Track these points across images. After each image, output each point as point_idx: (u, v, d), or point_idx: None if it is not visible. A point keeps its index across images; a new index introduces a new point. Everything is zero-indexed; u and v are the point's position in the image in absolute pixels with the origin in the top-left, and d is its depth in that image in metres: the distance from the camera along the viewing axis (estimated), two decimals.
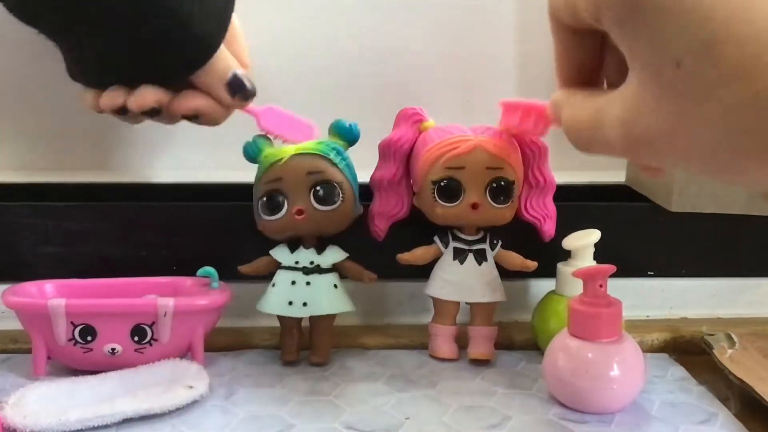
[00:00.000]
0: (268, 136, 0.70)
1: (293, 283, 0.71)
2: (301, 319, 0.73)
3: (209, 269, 0.71)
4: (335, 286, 0.72)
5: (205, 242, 0.78)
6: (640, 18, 0.32)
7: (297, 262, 0.71)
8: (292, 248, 0.72)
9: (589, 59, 0.41)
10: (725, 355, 0.72)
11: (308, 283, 0.71)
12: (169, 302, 0.68)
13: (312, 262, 0.71)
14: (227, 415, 0.64)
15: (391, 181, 0.73)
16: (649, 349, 0.78)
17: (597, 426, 0.63)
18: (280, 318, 0.72)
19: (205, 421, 0.63)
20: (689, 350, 0.78)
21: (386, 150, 0.73)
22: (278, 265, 0.72)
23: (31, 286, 0.70)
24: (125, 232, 0.77)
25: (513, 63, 0.85)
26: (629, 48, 0.34)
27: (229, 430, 0.61)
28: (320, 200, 0.69)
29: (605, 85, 0.41)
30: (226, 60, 0.64)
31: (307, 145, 0.70)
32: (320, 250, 0.72)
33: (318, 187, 0.69)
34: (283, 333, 0.73)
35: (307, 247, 0.72)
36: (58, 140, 0.82)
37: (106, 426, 0.61)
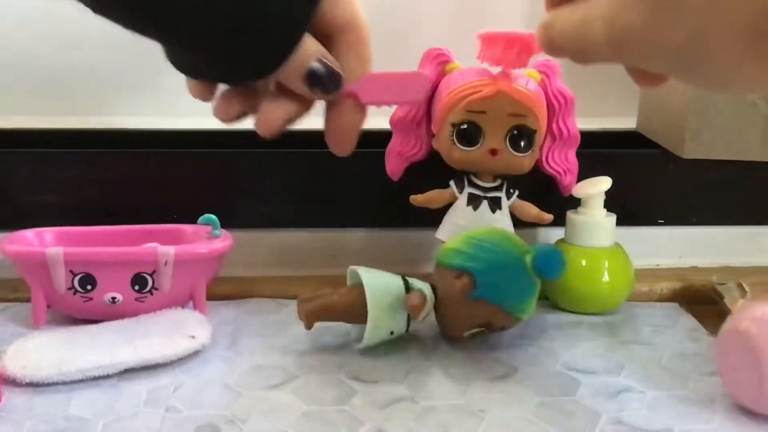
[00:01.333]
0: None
1: None
2: None
3: (211, 217, 0.70)
4: None
5: (207, 189, 0.76)
6: None
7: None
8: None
9: None
10: (736, 304, 0.71)
11: None
12: (169, 250, 0.66)
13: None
14: (230, 364, 0.63)
15: (411, 122, 0.72)
16: (658, 298, 0.77)
17: (606, 377, 0.62)
18: None
19: (207, 371, 0.62)
20: (699, 300, 0.76)
21: None
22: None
23: (29, 234, 0.69)
24: (125, 180, 0.76)
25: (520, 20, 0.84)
26: None
27: (232, 380, 0.61)
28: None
29: None
30: (305, 46, 0.49)
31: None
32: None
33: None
34: None
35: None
36: (57, 86, 0.80)
37: (107, 376, 0.60)
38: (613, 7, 0.34)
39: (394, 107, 0.63)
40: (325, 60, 0.49)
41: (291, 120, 0.51)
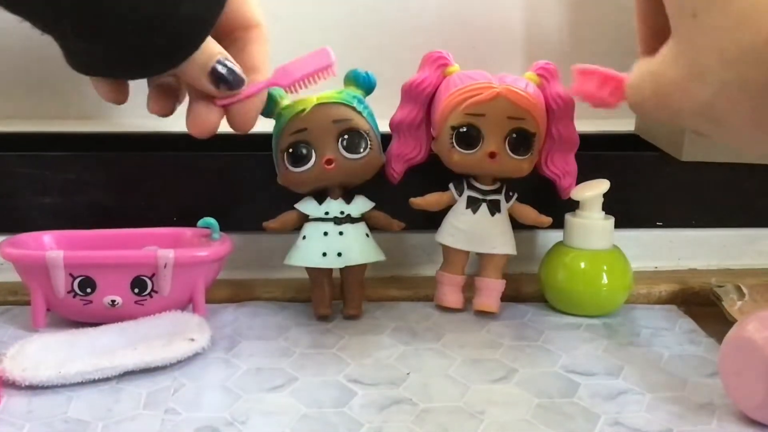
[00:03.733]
0: (293, 90, 0.64)
1: (325, 234, 0.70)
2: (331, 271, 0.71)
3: (210, 220, 0.70)
4: (367, 235, 0.71)
5: (206, 193, 0.76)
6: None
7: (327, 213, 0.70)
8: (320, 200, 0.70)
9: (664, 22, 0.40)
10: (735, 307, 0.71)
11: (341, 233, 0.70)
12: (169, 254, 0.66)
13: (342, 212, 0.70)
14: (229, 367, 0.63)
15: (411, 124, 0.72)
16: (657, 300, 0.77)
17: (605, 379, 0.62)
18: (311, 271, 0.71)
19: (207, 373, 0.62)
20: (698, 302, 0.77)
21: (408, 92, 0.71)
22: (305, 219, 0.71)
23: (28, 238, 0.69)
24: (124, 183, 0.76)
25: (520, 33, 0.84)
26: (665, 3, 0.37)
27: (232, 383, 0.61)
28: (349, 149, 0.68)
29: None
30: (207, 48, 0.55)
31: (329, 94, 0.68)
32: (348, 200, 0.70)
33: (346, 136, 0.68)
34: (314, 287, 0.71)
35: (334, 198, 0.70)
36: (56, 89, 0.81)
37: (107, 379, 0.60)
38: (660, 62, 0.37)
39: (316, 84, 0.65)
40: (226, 60, 0.56)
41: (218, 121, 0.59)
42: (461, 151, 0.70)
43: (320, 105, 0.68)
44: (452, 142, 0.70)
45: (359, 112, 0.69)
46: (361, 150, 0.69)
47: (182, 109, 0.80)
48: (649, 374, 0.63)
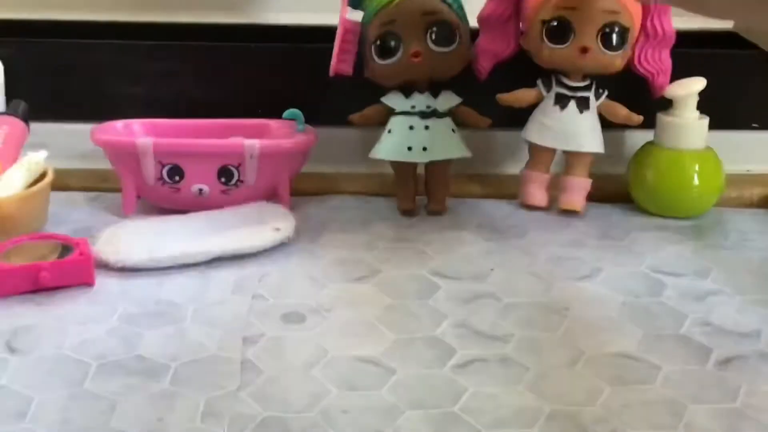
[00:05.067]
0: None
1: (411, 128, 0.69)
2: (416, 166, 0.71)
3: (295, 111, 0.70)
4: (453, 130, 0.70)
5: (292, 85, 0.76)
6: None
7: (413, 107, 0.69)
8: (407, 93, 0.69)
9: None
10: None
11: (427, 128, 0.69)
12: (255, 143, 0.67)
13: (429, 107, 0.69)
14: (314, 257, 0.64)
15: (499, 18, 0.70)
16: (748, 204, 0.75)
17: (693, 279, 0.61)
18: (396, 165, 0.71)
19: (292, 263, 0.63)
20: None
21: None
22: (391, 112, 0.70)
23: (119, 125, 0.70)
24: (211, 74, 0.76)
25: None
26: None
27: (316, 272, 0.61)
28: (437, 42, 0.67)
29: None
30: None
31: None
32: (435, 94, 0.70)
33: (434, 28, 0.67)
34: (398, 181, 0.71)
35: (421, 92, 0.69)
36: None
37: (196, 264, 0.61)
38: None
39: None
40: None
41: None
42: (552, 46, 0.68)
43: None
44: (543, 37, 0.68)
45: (449, 5, 0.68)
46: (450, 43, 0.68)
47: (268, 3, 0.78)
48: (738, 276, 0.62)
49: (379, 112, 0.71)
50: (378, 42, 0.67)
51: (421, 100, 0.69)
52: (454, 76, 0.70)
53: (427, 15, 0.67)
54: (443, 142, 0.70)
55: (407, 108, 0.69)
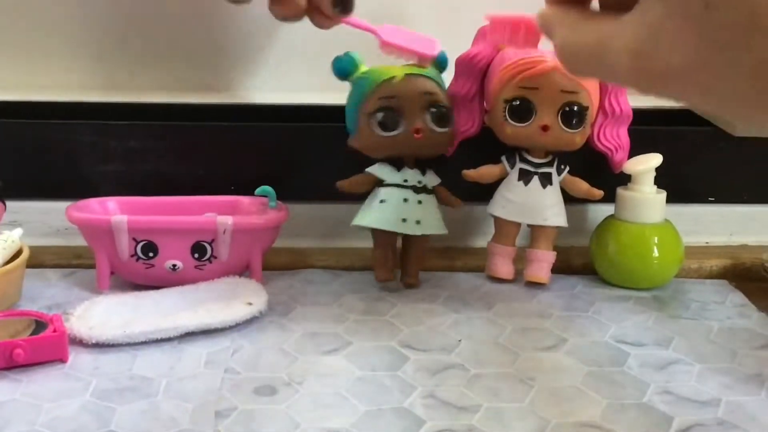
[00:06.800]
0: (392, 52, 0.66)
1: (405, 200, 0.71)
2: (396, 238, 0.73)
3: (267, 188, 0.71)
4: (437, 207, 0.73)
5: (264, 163, 0.78)
6: None
7: (405, 181, 0.71)
8: (398, 167, 0.71)
9: None
10: None
11: (419, 202, 0.71)
12: (228, 220, 0.68)
13: (420, 182, 0.71)
14: (286, 331, 0.65)
15: (464, 97, 0.73)
16: (708, 275, 0.77)
17: (653, 349, 0.63)
18: (379, 235, 0.72)
19: (264, 336, 0.64)
20: (749, 277, 0.77)
21: (462, 66, 0.73)
22: (378, 183, 0.72)
23: (94, 203, 0.72)
24: (185, 152, 0.78)
25: None
26: None
27: (288, 345, 0.63)
28: (437, 122, 0.70)
29: (597, 6, 0.38)
30: None
31: (415, 67, 0.69)
32: (423, 171, 0.72)
33: (433, 109, 0.70)
34: (378, 251, 0.72)
35: (410, 167, 0.71)
36: (120, 60, 0.82)
37: (169, 339, 0.62)
38: (645, 41, 0.30)
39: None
40: None
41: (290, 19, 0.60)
42: (514, 124, 0.71)
43: (410, 75, 0.69)
44: (505, 115, 0.71)
45: (442, 89, 0.71)
46: (446, 124, 0.70)
47: (240, 83, 0.81)
48: (698, 346, 0.64)
49: (367, 180, 0.72)
50: (379, 114, 0.69)
51: (412, 175, 0.71)
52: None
53: (428, 95, 0.69)
54: (434, 217, 0.72)
55: (399, 181, 0.71)
